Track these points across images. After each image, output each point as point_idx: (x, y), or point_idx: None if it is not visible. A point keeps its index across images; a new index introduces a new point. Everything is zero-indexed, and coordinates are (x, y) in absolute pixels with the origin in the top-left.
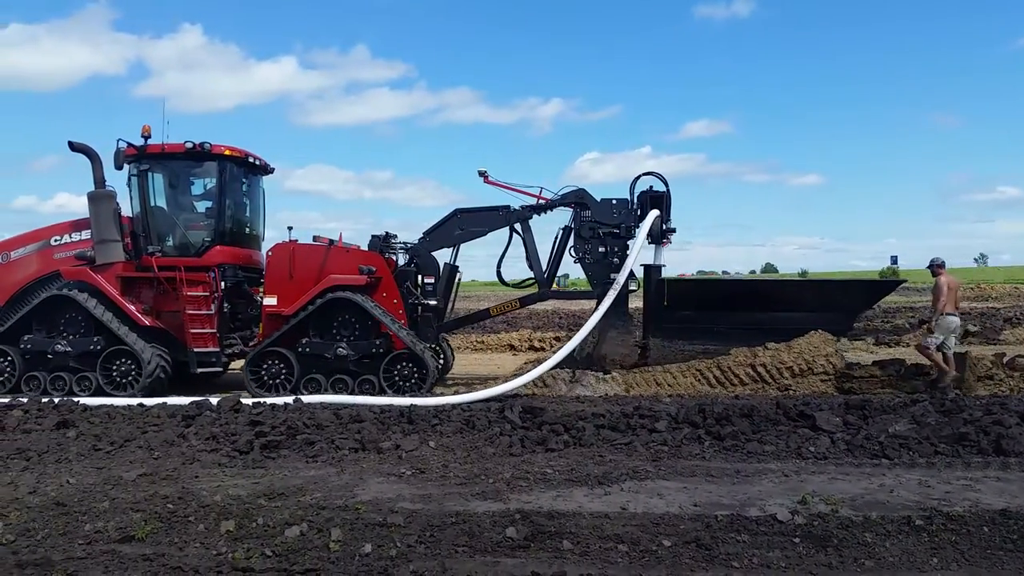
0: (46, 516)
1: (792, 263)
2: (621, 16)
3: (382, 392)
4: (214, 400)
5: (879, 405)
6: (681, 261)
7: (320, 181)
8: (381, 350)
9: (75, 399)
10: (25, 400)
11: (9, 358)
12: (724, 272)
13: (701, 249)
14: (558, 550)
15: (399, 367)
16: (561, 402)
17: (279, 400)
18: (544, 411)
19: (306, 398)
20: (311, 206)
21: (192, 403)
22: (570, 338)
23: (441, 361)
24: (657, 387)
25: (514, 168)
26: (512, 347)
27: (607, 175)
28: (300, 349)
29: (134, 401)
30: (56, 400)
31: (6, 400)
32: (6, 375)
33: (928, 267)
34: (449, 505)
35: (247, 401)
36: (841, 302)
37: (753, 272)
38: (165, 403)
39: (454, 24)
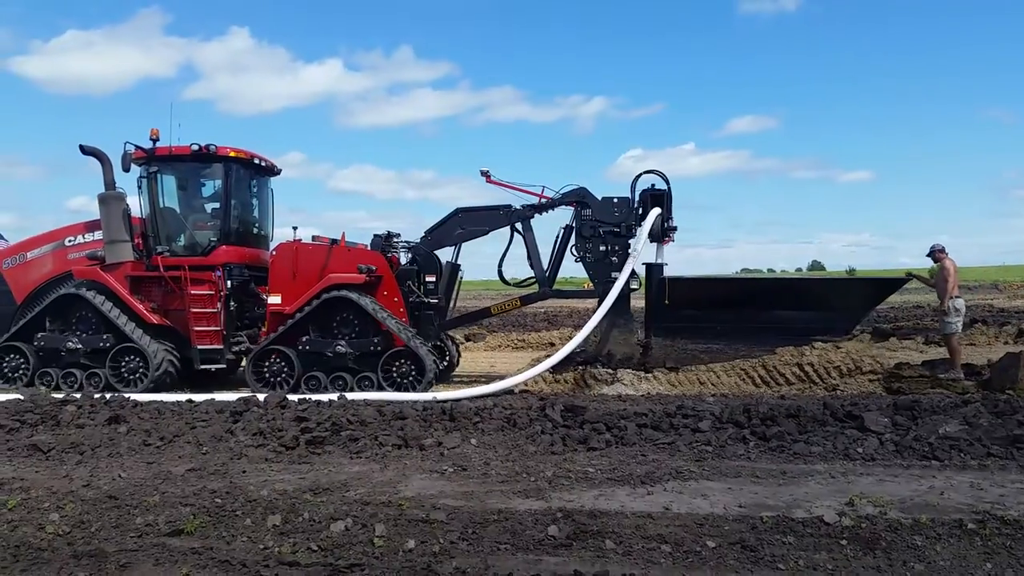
0: (99, 509)
1: (840, 260)
2: (666, 12)
3: (380, 389)
4: (261, 396)
5: (929, 405)
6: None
7: (363, 181)
8: (379, 348)
9: (126, 395)
10: (79, 396)
11: (24, 355)
12: (769, 270)
13: (746, 247)
14: (600, 549)
15: (397, 364)
16: (603, 400)
17: (324, 397)
18: (586, 409)
19: (349, 395)
20: (354, 205)
21: (240, 399)
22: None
23: (446, 360)
24: (700, 386)
25: (555, 167)
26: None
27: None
28: (300, 347)
29: (183, 397)
30: (108, 396)
31: (60, 396)
32: (21, 371)
33: (929, 253)
34: (491, 503)
35: (293, 398)
36: (845, 301)
37: (799, 270)
38: (213, 399)
39: (497, 23)
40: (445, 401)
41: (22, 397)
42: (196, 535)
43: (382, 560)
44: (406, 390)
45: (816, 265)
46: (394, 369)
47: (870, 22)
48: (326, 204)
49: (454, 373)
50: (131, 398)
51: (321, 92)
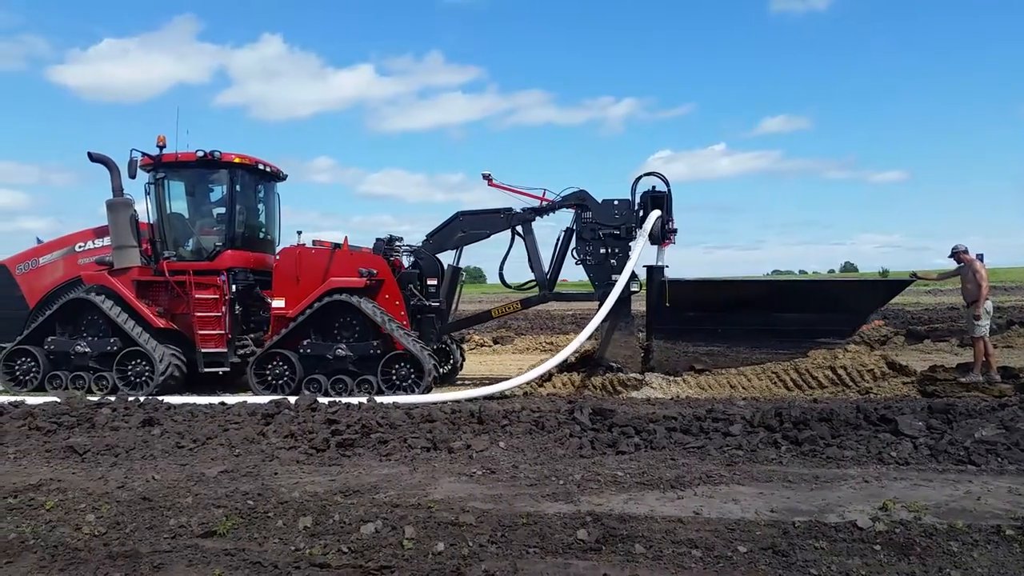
0: (134, 510)
1: (873, 262)
2: (697, 12)
3: (379, 392)
4: (292, 399)
5: (964, 409)
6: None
7: (393, 185)
8: (379, 351)
9: (160, 398)
10: (113, 399)
11: (36, 358)
12: (801, 271)
13: (777, 248)
14: (630, 554)
15: (396, 367)
16: (632, 404)
17: (354, 399)
18: (614, 413)
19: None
20: (384, 209)
21: (271, 402)
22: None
23: (450, 363)
24: (731, 390)
25: (583, 170)
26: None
27: (678, 174)
28: (301, 350)
29: (216, 400)
30: (142, 399)
31: (95, 398)
32: (32, 374)
33: (951, 254)
34: (520, 506)
35: (323, 400)
36: (848, 303)
37: (832, 271)
38: (245, 402)
39: (525, 25)
40: (441, 403)
41: (59, 400)
42: (228, 536)
43: (411, 562)
44: (405, 392)
45: (848, 266)
46: (393, 372)
47: (903, 20)
48: (356, 208)
49: (459, 376)
50: (164, 401)
51: (352, 97)
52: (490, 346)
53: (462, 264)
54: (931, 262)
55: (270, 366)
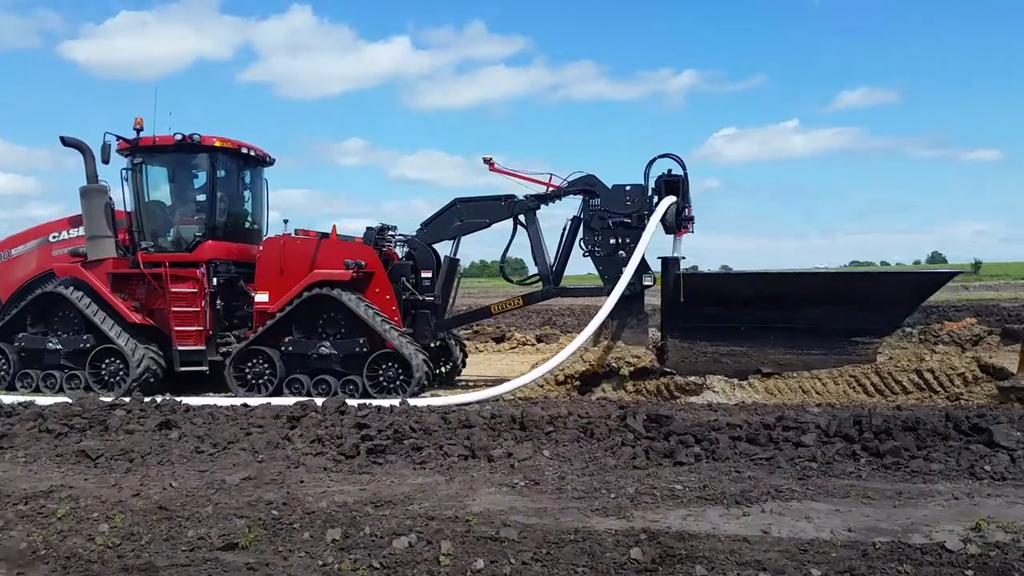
0: (149, 520)
1: (964, 252)
2: None
3: (365, 394)
4: (319, 401)
5: None
6: (832, 250)
7: (429, 168)
8: (365, 349)
9: (178, 399)
10: (128, 400)
11: (6, 356)
12: (883, 263)
13: (856, 236)
14: (690, 575)
15: (383, 367)
16: (691, 410)
17: (385, 402)
18: (672, 420)
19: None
20: (418, 194)
21: (297, 404)
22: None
23: (449, 363)
24: (803, 395)
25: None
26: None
27: (744, 153)
28: (283, 348)
29: (238, 401)
30: (158, 399)
31: (109, 399)
32: (2, 372)
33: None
34: (566, 520)
35: (352, 403)
36: (884, 298)
37: (918, 262)
38: (269, 403)
39: None
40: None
41: (70, 400)
42: (251, 549)
43: None
44: (393, 394)
45: (936, 257)
46: (380, 372)
47: None
48: (388, 193)
49: (460, 376)
50: (183, 402)
51: (386, 73)
52: (532, 344)
53: (487, 256)
54: None
55: (249, 364)
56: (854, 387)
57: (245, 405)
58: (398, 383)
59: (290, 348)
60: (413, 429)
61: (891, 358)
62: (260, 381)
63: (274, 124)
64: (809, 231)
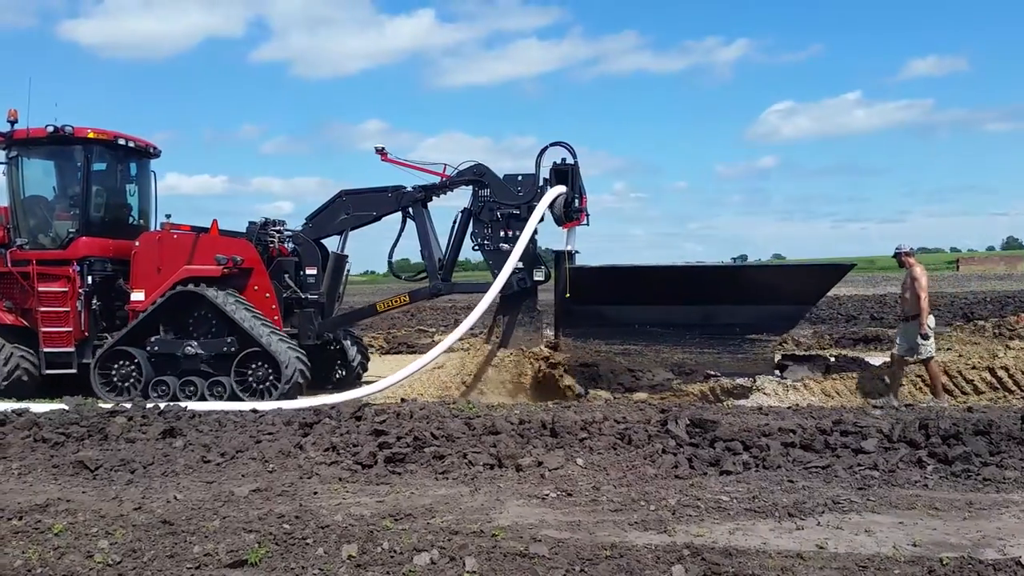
0: (152, 536)
1: None
2: None
3: (233, 396)
4: (331, 400)
5: None
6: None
7: (453, 150)
8: (233, 348)
9: (182, 404)
10: (129, 405)
11: None
12: (953, 249)
13: (923, 220)
14: None
15: (253, 367)
16: (738, 414)
17: (404, 408)
18: (718, 424)
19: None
20: None
21: (310, 409)
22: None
23: (346, 365)
24: (864, 397)
25: (679, 126)
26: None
27: (801, 130)
28: (148, 348)
29: (246, 407)
30: (162, 406)
31: (108, 405)
32: None
33: (894, 255)
34: (602, 535)
35: (369, 408)
36: (781, 293)
37: (991, 249)
38: (280, 409)
39: None
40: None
41: (67, 408)
42: (261, 566)
43: None
44: (263, 396)
45: (1012, 243)
46: (250, 372)
47: None
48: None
49: (363, 380)
50: (188, 408)
51: (408, 48)
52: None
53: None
54: None
55: (116, 366)
56: (919, 387)
57: (254, 411)
58: (267, 384)
59: (156, 348)
60: (435, 436)
61: (961, 355)
62: (126, 384)
63: (288, 106)
64: (873, 214)
